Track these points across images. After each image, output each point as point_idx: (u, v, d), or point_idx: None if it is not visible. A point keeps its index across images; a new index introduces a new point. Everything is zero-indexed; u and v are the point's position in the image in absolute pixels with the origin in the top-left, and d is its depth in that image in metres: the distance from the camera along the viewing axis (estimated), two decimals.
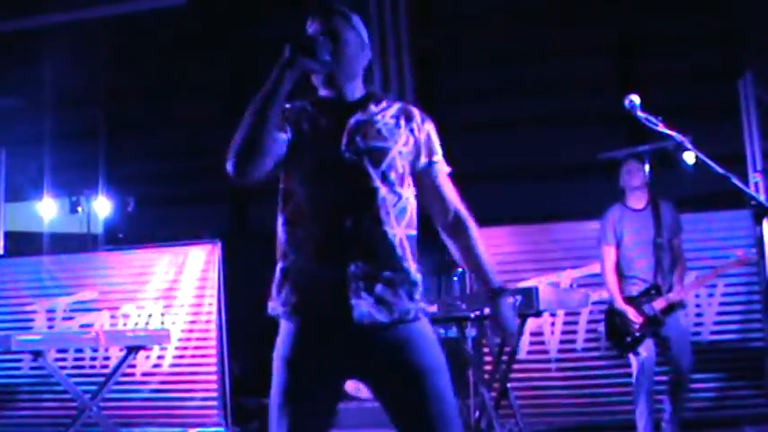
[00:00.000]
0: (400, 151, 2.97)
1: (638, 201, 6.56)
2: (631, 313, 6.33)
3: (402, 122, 3.02)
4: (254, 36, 13.29)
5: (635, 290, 6.41)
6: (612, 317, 6.48)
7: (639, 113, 3.30)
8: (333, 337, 2.86)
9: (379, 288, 2.85)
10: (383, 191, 2.90)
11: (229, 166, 2.81)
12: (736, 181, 3.18)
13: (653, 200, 6.54)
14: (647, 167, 6.76)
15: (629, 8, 11.83)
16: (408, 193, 2.99)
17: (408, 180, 3.00)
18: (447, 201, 3.09)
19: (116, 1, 10.33)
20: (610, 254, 6.54)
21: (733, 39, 11.69)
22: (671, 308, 6.34)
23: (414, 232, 2.99)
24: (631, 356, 6.42)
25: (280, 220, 2.98)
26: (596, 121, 11.23)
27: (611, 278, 6.51)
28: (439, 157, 3.10)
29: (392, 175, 2.93)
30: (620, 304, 6.41)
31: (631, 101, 3.31)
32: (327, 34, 2.92)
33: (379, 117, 2.99)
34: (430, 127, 3.09)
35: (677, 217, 6.56)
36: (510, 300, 3.08)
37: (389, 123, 3.00)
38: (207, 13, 12.09)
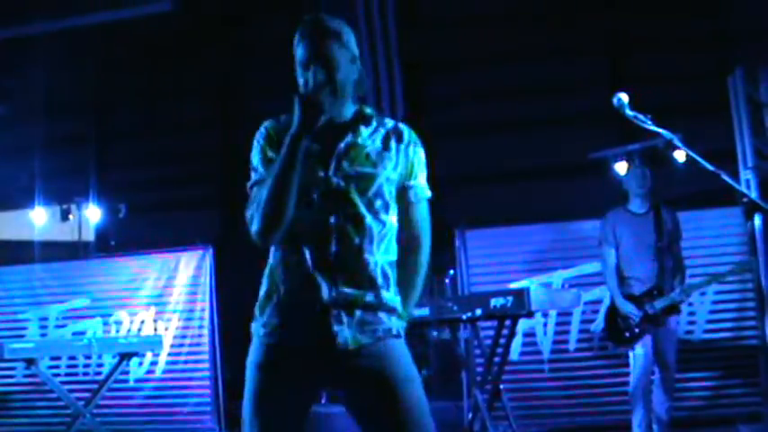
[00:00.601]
0: (388, 177, 2.91)
1: (640, 205, 6.56)
2: (631, 308, 6.33)
3: (392, 144, 2.95)
4: (242, 42, 13.28)
5: (636, 290, 6.42)
6: (613, 314, 6.49)
7: (628, 111, 3.27)
8: (314, 359, 2.84)
9: (358, 313, 2.83)
10: (368, 218, 2.86)
11: (254, 232, 2.83)
12: (727, 178, 3.16)
13: (655, 205, 6.55)
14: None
15: (621, 8, 11.85)
16: (392, 219, 2.94)
17: (393, 205, 2.94)
18: (412, 222, 3.01)
19: (104, 8, 10.30)
20: (611, 255, 6.56)
21: (723, 36, 11.72)
22: (672, 308, 6.34)
23: (394, 258, 2.94)
24: (629, 353, 6.42)
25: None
26: (588, 122, 11.24)
27: (612, 278, 6.53)
28: (419, 181, 3.02)
29: (378, 203, 2.88)
30: (620, 302, 6.42)
31: (620, 99, 3.27)
32: (319, 61, 2.82)
33: (369, 141, 2.93)
34: (417, 149, 3.01)
35: (678, 223, 6.57)
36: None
37: (379, 147, 2.93)
38: (195, 20, 12.08)
